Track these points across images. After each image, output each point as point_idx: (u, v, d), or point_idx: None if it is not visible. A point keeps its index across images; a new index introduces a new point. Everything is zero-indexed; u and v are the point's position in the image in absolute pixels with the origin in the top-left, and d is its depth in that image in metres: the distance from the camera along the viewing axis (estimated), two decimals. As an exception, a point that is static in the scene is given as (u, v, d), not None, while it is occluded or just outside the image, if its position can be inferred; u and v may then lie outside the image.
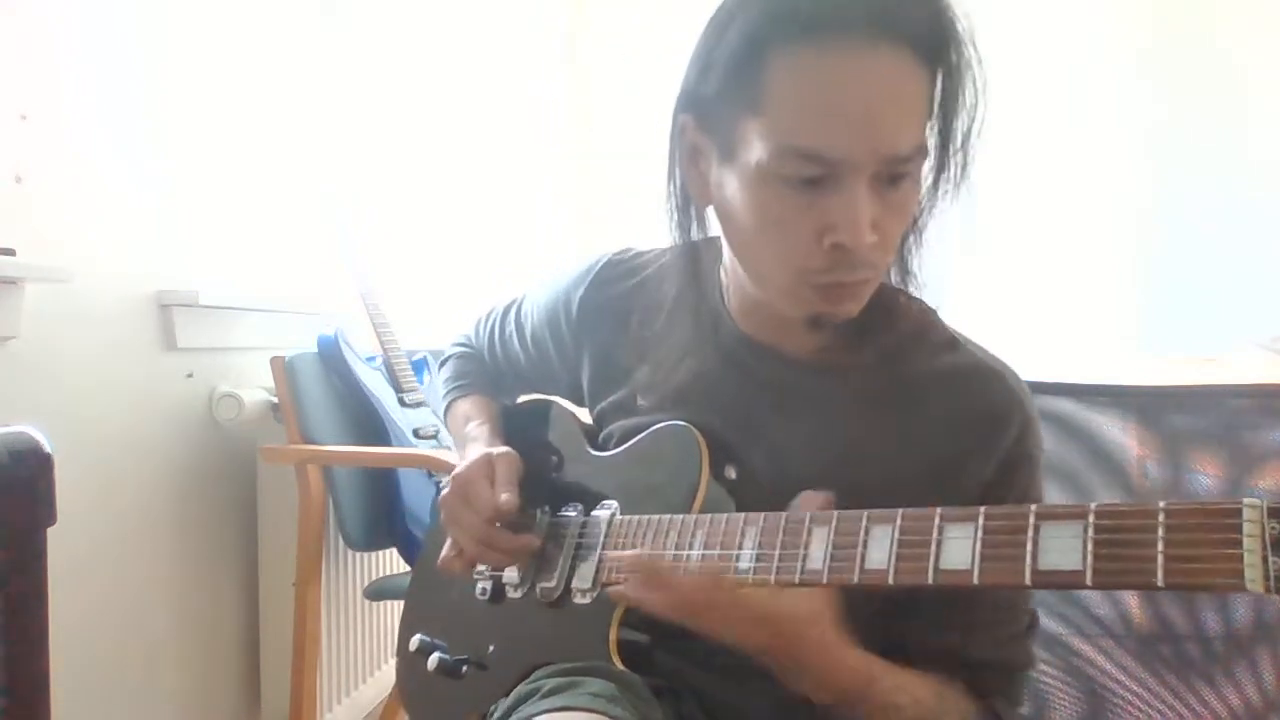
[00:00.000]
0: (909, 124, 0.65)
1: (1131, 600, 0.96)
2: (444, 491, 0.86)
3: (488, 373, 1.07)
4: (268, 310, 1.92)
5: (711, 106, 0.70)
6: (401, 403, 1.87)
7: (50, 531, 0.62)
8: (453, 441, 1.02)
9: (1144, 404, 0.97)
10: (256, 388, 1.79)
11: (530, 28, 3.00)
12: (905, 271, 0.77)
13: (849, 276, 0.68)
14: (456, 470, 0.86)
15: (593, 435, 0.93)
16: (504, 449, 0.88)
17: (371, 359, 1.92)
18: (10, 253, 1.23)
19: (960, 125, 0.69)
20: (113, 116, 1.53)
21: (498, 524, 0.83)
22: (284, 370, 1.73)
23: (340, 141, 2.31)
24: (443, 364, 1.11)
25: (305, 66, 2.19)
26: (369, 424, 1.82)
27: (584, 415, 0.97)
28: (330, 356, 1.83)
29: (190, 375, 1.70)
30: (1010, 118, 2.56)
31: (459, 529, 0.85)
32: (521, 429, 0.98)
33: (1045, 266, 2.61)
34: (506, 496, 0.82)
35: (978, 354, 0.79)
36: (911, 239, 0.76)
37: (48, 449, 0.62)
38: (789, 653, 0.66)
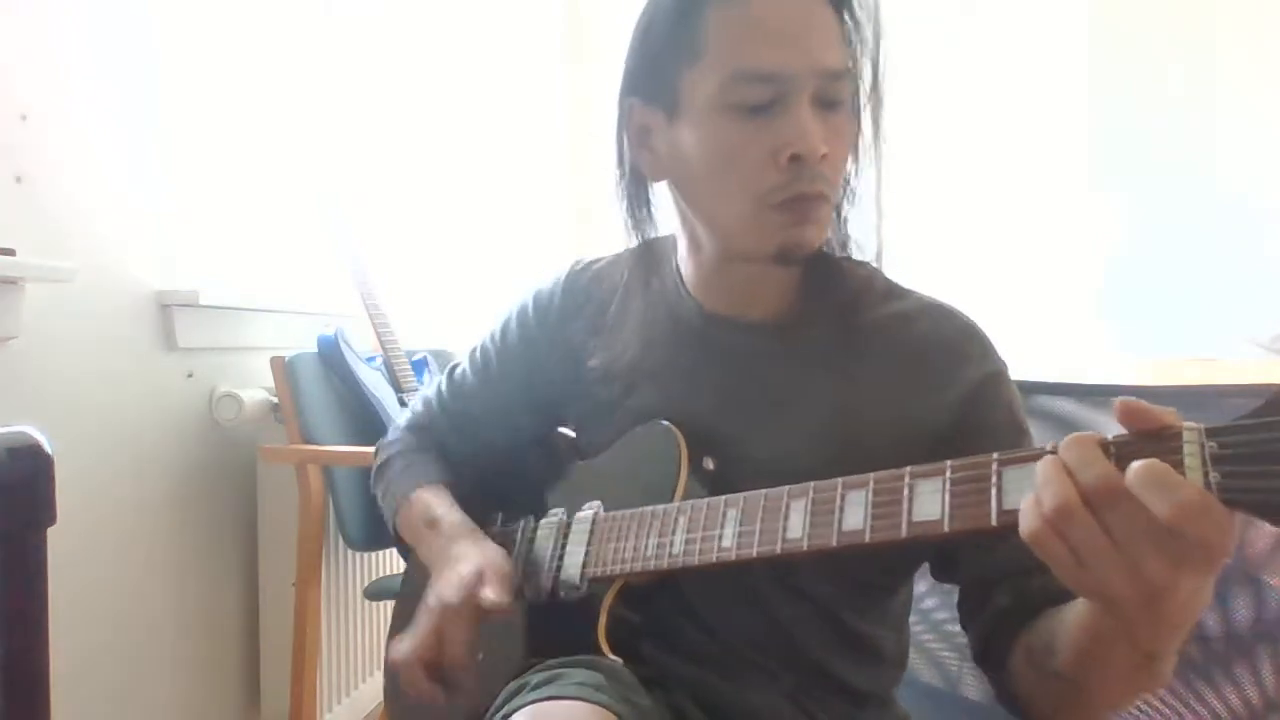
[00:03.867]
0: (835, 43, 0.74)
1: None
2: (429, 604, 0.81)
3: (430, 449, 1.00)
4: (268, 310, 1.91)
5: (653, 75, 0.78)
6: (401, 403, 1.87)
7: (50, 531, 0.62)
8: (420, 545, 0.91)
9: (1143, 404, 0.97)
10: (256, 388, 1.79)
11: (530, 27, 3.00)
12: (844, 234, 0.83)
13: (809, 187, 0.73)
14: (446, 596, 0.79)
15: (571, 444, 0.95)
16: (496, 559, 0.81)
17: (371, 359, 1.92)
18: (10, 253, 1.23)
19: (868, 66, 0.77)
20: (113, 116, 1.52)
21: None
22: (284, 370, 1.73)
23: (340, 142, 2.31)
24: (376, 474, 1.01)
25: (305, 66, 2.19)
26: (369, 424, 1.82)
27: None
28: (330, 356, 1.83)
29: (190, 375, 1.70)
30: (1003, 119, 2.57)
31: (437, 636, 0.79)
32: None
33: (1044, 267, 2.61)
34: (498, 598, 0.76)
35: (924, 297, 0.84)
36: (846, 195, 0.82)
37: (48, 449, 0.62)
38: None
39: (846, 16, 0.75)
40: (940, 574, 0.82)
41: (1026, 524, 0.51)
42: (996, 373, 0.78)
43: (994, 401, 0.77)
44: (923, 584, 1.06)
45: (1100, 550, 0.48)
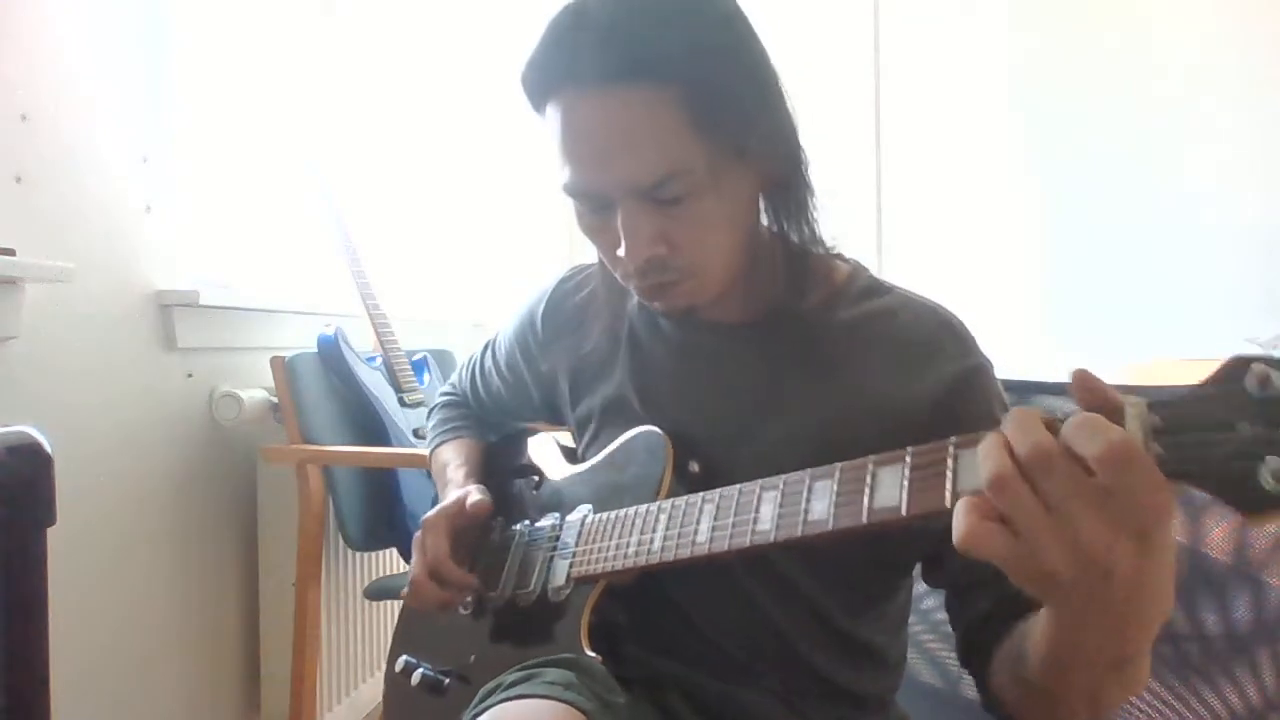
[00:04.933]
0: (647, 153, 0.68)
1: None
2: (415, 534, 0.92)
3: (471, 414, 1.13)
4: (268, 310, 1.91)
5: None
6: (401, 403, 1.87)
7: (50, 531, 0.62)
8: (436, 488, 1.07)
9: (1144, 404, 0.97)
10: (256, 388, 1.79)
11: (530, 28, 3.00)
12: (816, 238, 0.80)
13: (643, 282, 0.75)
14: (425, 516, 0.92)
15: (570, 453, 0.97)
16: (473, 495, 0.92)
17: (372, 359, 1.92)
18: (10, 253, 1.23)
19: (743, 123, 0.71)
20: (113, 116, 1.52)
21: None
22: (284, 370, 1.73)
23: (341, 142, 2.31)
24: (430, 414, 1.16)
25: (306, 67, 2.19)
26: (369, 424, 1.82)
27: (565, 436, 1.01)
28: (330, 356, 1.83)
29: (190, 375, 1.70)
30: (995, 127, 2.58)
31: (417, 564, 0.90)
32: (505, 458, 1.04)
33: (1043, 268, 2.61)
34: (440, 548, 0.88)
35: (906, 294, 0.82)
36: (802, 209, 0.78)
37: (48, 449, 0.62)
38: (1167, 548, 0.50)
39: (694, 90, 0.68)
40: (929, 577, 0.81)
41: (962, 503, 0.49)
42: (977, 367, 0.77)
43: (971, 396, 0.76)
44: (922, 584, 1.06)
45: (1036, 519, 0.47)
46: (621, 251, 0.72)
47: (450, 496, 0.94)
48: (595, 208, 0.74)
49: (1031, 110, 2.60)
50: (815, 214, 0.79)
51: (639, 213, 0.71)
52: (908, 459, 0.58)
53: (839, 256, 0.85)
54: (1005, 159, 2.62)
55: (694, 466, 0.81)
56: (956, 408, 0.75)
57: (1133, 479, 0.45)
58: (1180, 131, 2.43)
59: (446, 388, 1.17)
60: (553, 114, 0.72)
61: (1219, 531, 0.90)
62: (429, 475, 1.76)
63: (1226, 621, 0.90)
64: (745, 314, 0.83)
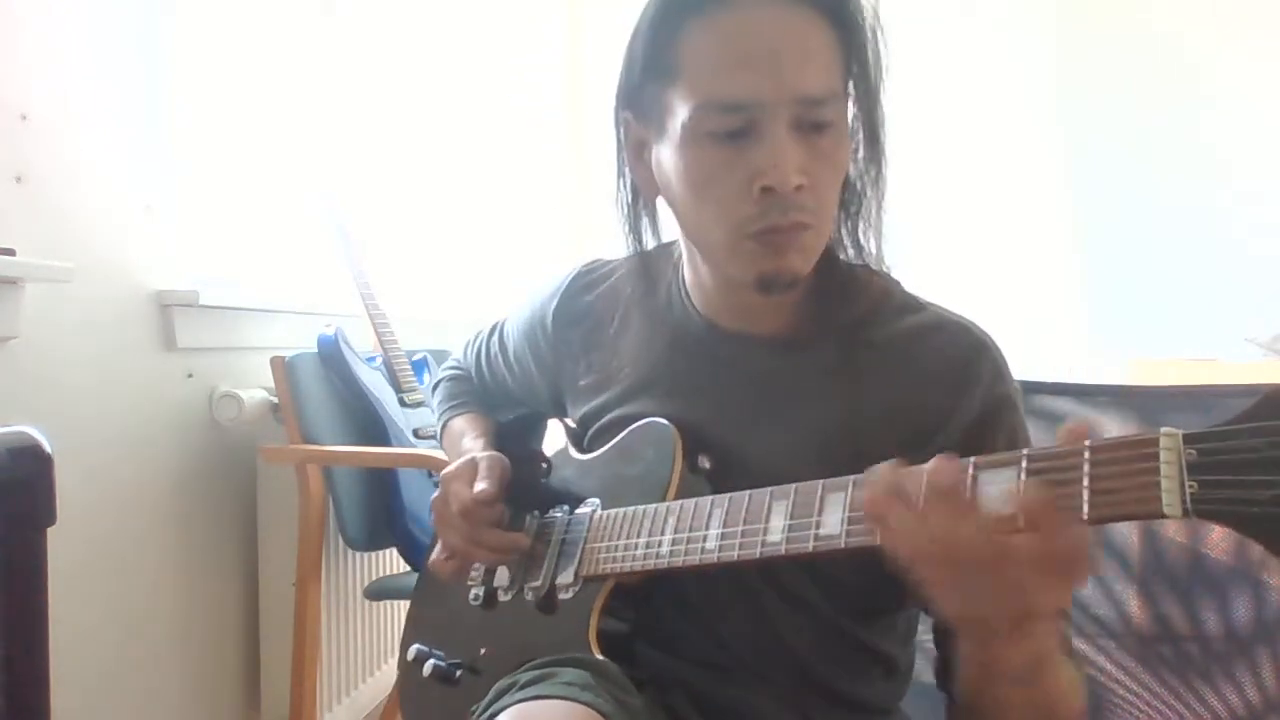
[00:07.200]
0: (816, 67, 0.69)
1: (1132, 600, 0.96)
2: (435, 494, 0.90)
3: (478, 392, 1.11)
4: (268, 310, 1.91)
5: (641, 90, 0.76)
6: (401, 403, 1.87)
7: (50, 531, 0.62)
8: (448, 458, 1.04)
9: (1144, 404, 0.97)
10: (256, 388, 1.79)
11: (530, 29, 3.00)
12: (858, 248, 0.80)
13: (783, 219, 0.70)
14: (444, 472, 0.90)
15: (578, 440, 0.95)
16: (491, 452, 0.91)
17: (372, 359, 1.92)
18: (10, 253, 1.23)
19: (871, 77, 0.74)
20: (113, 116, 1.52)
21: (486, 523, 0.85)
22: (284, 370, 1.73)
23: (341, 141, 2.31)
24: (435, 387, 1.14)
25: (306, 66, 2.19)
26: (369, 424, 1.82)
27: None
28: (330, 356, 1.83)
29: (190, 375, 1.70)
30: (1003, 125, 2.58)
31: (445, 528, 0.88)
32: (512, 442, 1.01)
33: (1043, 268, 2.61)
34: (484, 486, 0.85)
35: (940, 311, 0.81)
36: (860, 212, 0.78)
37: (48, 449, 0.62)
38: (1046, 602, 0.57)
39: (844, 31, 0.71)
40: (918, 601, 0.81)
41: None
42: (1004, 396, 0.76)
43: (996, 427, 0.75)
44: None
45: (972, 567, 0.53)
46: (767, 180, 0.68)
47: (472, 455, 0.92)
48: (736, 132, 0.69)
49: (1031, 110, 2.60)
50: (871, 221, 0.79)
51: (789, 137, 0.69)
52: (925, 476, 0.57)
53: (870, 269, 0.83)
54: (1003, 158, 2.62)
55: (704, 461, 0.80)
56: (979, 438, 0.74)
57: (1064, 546, 0.51)
58: (1181, 132, 2.43)
59: (451, 363, 1.15)
60: (712, 23, 0.70)
61: (1219, 531, 0.90)
62: (429, 475, 1.77)
63: (1226, 621, 0.90)
64: (776, 326, 0.81)
